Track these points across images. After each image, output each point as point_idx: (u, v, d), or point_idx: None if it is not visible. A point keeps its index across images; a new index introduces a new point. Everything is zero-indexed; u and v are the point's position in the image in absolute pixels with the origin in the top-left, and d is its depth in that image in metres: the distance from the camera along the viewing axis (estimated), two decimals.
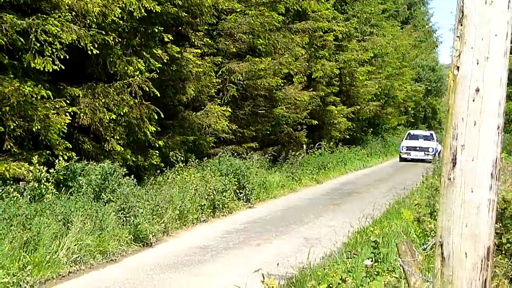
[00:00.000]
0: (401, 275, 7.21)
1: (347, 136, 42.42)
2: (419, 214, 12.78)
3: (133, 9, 17.26)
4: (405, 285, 6.56)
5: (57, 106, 15.52)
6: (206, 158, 22.33)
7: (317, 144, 37.08)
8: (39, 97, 14.71)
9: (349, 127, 41.57)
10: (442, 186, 3.92)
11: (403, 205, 17.84)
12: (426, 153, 44.29)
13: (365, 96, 44.97)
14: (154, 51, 18.69)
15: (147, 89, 17.89)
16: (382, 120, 54.63)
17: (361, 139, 48.54)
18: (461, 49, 3.78)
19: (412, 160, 43.93)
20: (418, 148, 44.94)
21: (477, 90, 3.72)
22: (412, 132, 50.21)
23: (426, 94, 73.13)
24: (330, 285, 6.77)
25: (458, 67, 3.81)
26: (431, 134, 48.59)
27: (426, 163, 39.25)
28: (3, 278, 10.49)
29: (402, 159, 44.63)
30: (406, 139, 47.59)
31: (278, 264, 11.05)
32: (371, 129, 51.89)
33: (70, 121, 15.66)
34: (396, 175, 34.23)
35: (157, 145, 19.43)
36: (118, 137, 17.53)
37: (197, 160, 21.58)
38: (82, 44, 15.69)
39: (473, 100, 3.73)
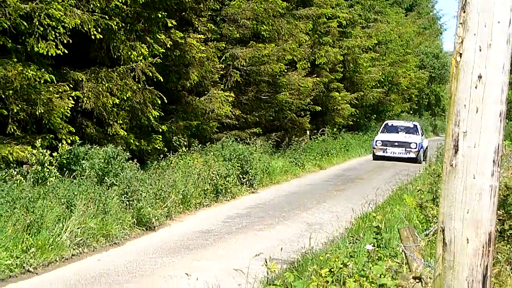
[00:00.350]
0: (403, 260, 7.24)
1: (351, 123, 42.41)
2: (422, 200, 12.80)
3: None
4: (407, 270, 6.60)
5: (60, 90, 15.54)
6: (209, 143, 22.37)
7: (320, 130, 37.09)
8: (42, 81, 14.72)
9: (352, 114, 41.54)
10: (444, 172, 3.93)
11: (406, 191, 17.87)
12: (407, 149, 34.18)
13: (369, 83, 44.91)
14: (158, 36, 18.68)
15: (151, 74, 17.91)
16: (386, 107, 54.50)
17: (364, 126, 48.48)
18: (464, 35, 3.79)
19: (389, 158, 34.00)
20: (396, 144, 34.48)
21: (480, 76, 3.73)
22: (391, 122, 39.37)
23: (430, 81, 72.92)
24: (332, 270, 6.79)
25: (460, 54, 3.82)
26: (415, 126, 37.61)
27: (408, 162, 33.01)
28: (6, 260, 10.54)
29: (376, 157, 34.61)
30: (382, 132, 37.18)
31: (281, 249, 11.09)
32: (375, 116, 51.75)
33: (73, 105, 15.68)
34: (400, 161, 34.22)
35: (160, 130, 19.45)
36: (121, 122, 17.56)
37: (200, 145, 21.60)
38: (85, 28, 15.69)
39: (476, 87, 3.73)
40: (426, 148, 36.02)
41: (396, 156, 33.89)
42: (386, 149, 34.34)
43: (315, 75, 34.22)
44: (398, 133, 36.21)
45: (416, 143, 34.34)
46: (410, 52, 60.26)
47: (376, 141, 35.14)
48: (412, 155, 33.90)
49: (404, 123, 38.69)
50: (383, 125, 38.73)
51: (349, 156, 35.68)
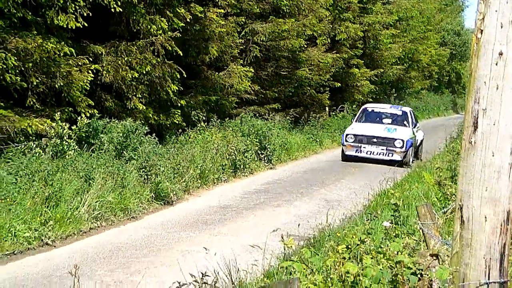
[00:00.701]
0: (421, 238, 7.22)
1: (370, 100, 42.16)
2: (440, 178, 12.77)
3: None
4: (424, 248, 6.58)
5: (80, 63, 15.56)
6: (228, 118, 22.37)
7: (339, 107, 36.99)
8: (62, 54, 14.74)
9: (372, 90, 41.32)
10: (463, 149, 3.91)
11: (425, 169, 17.81)
12: (389, 149, 24.01)
13: (389, 60, 44.57)
14: (178, 10, 18.62)
15: (170, 48, 17.87)
16: (406, 84, 54.23)
17: (384, 103, 48.18)
18: (485, 12, 3.75)
19: (364, 160, 24.22)
20: (375, 140, 24.34)
21: (501, 53, 3.69)
22: (371, 107, 28.31)
23: (450, 59, 72.45)
24: (349, 246, 6.78)
25: (481, 30, 3.78)
26: (404, 114, 26.82)
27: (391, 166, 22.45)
28: (25, 233, 10.60)
29: (346, 158, 24.54)
30: (358, 120, 26.75)
31: (299, 225, 11.09)
32: (394, 90, 51.31)
33: (92, 79, 15.70)
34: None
35: (179, 105, 19.45)
36: (140, 96, 17.57)
37: (219, 120, 21.63)
38: (105, 1, 15.67)
39: (496, 64, 3.70)
40: (421, 143, 26.93)
41: (373, 158, 24.14)
42: (360, 147, 24.29)
43: (335, 51, 34.03)
44: (381, 122, 26.11)
45: (402, 141, 24.00)
46: (431, 29, 59.82)
47: (347, 135, 24.74)
48: (396, 157, 23.84)
49: (389, 109, 27.76)
50: (360, 110, 28.17)
51: None
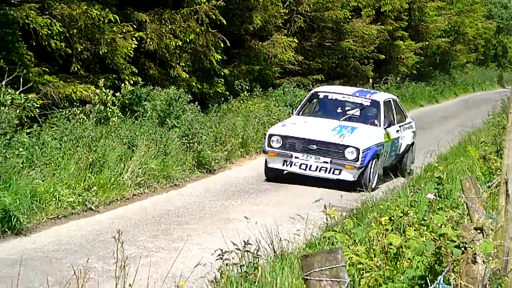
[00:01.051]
0: (464, 212, 7.16)
1: (415, 72, 41.81)
2: (485, 152, 12.65)
3: None
4: (468, 222, 6.52)
5: (124, 30, 15.64)
6: (271, 88, 22.34)
7: (383, 79, 36.71)
8: (106, 21, 14.81)
9: (416, 62, 40.95)
10: (509, 123, 3.85)
11: (469, 143, 17.63)
12: (336, 162, 14.34)
13: (434, 32, 44.06)
14: None
15: (214, 17, 17.84)
16: (451, 57, 53.61)
17: (428, 76, 47.69)
18: None
19: (296, 175, 14.84)
20: (314, 147, 14.49)
21: None
22: (324, 92, 17.39)
23: (497, 32, 71.37)
24: (392, 218, 6.74)
25: None
26: (374, 104, 16.46)
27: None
28: (69, 198, 10.70)
29: (271, 172, 14.89)
30: (300, 112, 16.59)
31: (341, 196, 11.05)
32: (439, 62, 50.63)
33: (136, 46, 15.75)
34: (463, 112, 33.70)
35: (223, 74, 19.45)
36: (183, 64, 17.60)
37: (261, 90, 21.59)
38: None
39: None
40: (407, 150, 17.02)
41: (311, 175, 14.65)
42: (290, 157, 14.64)
43: (380, 23, 33.73)
44: (338, 117, 16.00)
45: (357, 150, 14.44)
46: (477, 2, 58.96)
47: (271, 136, 15.00)
48: (346, 175, 14.49)
49: (352, 96, 17.02)
50: (308, 95, 17.84)
51: (412, 106, 35.13)
